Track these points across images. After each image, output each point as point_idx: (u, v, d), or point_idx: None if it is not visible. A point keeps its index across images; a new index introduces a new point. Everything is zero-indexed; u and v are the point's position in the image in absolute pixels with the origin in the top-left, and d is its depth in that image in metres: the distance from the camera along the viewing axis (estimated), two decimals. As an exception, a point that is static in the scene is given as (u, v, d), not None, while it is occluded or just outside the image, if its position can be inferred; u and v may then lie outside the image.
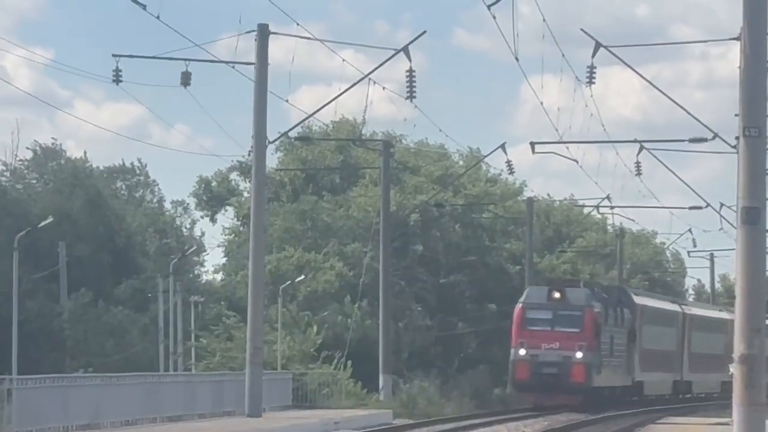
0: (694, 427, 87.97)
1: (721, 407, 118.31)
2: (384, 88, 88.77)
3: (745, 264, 48.85)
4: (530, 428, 75.32)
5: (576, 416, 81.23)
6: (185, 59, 78.10)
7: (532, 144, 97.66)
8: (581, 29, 66.36)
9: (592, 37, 62.67)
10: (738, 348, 48.41)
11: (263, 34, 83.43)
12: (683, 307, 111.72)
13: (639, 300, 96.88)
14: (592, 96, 76.88)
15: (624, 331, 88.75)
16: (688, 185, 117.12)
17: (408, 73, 78.38)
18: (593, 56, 65.65)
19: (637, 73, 77.55)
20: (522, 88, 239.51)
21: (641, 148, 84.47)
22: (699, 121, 72.20)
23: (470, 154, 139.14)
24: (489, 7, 56.12)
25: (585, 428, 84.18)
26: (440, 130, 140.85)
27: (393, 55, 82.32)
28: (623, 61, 68.38)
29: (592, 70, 69.24)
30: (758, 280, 49.63)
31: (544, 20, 67.79)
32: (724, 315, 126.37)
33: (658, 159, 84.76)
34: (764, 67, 48.74)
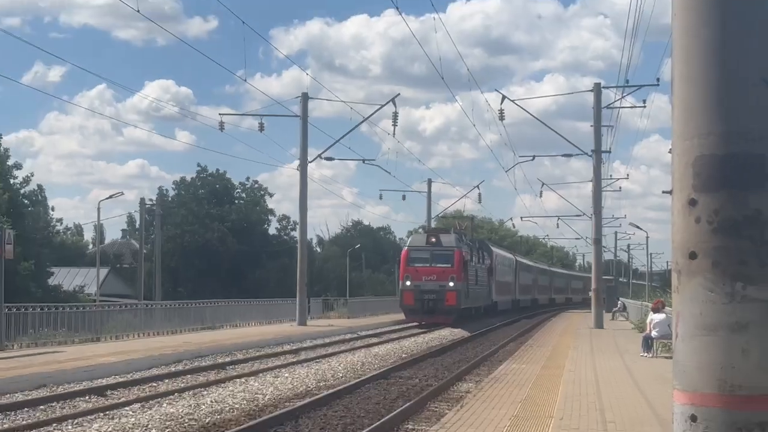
0: (579, 314, 72.76)
1: (560, 310, 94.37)
2: (469, 198, 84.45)
3: (595, 258, 50.43)
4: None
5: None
6: (404, 191, 76.14)
7: (522, 218, 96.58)
8: (537, 178, 72.95)
9: (541, 181, 66.16)
10: (593, 285, 50.36)
11: (429, 185, 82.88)
12: (516, 256, 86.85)
13: (495, 249, 73.58)
14: (542, 201, 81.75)
15: (485, 268, 65.64)
16: (575, 231, 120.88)
17: (479, 196, 77.27)
18: (541, 188, 68.53)
19: (557, 193, 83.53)
20: (517, 199, 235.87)
21: (558, 218, 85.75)
22: (578, 209, 73.30)
23: (500, 222, 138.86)
24: (506, 171, 61.10)
25: (512, 324, 58.91)
26: (490, 214, 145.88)
27: (470, 191, 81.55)
28: (552, 189, 72.68)
29: (541, 192, 68.75)
30: (599, 263, 52.27)
31: (524, 176, 74.34)
32: (531, 263, 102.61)
33: (565, 222, 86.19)
34: (600, 191, 52.64)
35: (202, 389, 20.71)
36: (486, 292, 64.43)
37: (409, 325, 51.44)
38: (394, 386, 22.79)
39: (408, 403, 18.66)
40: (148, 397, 19.15)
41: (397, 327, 51.15)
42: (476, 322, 54.02)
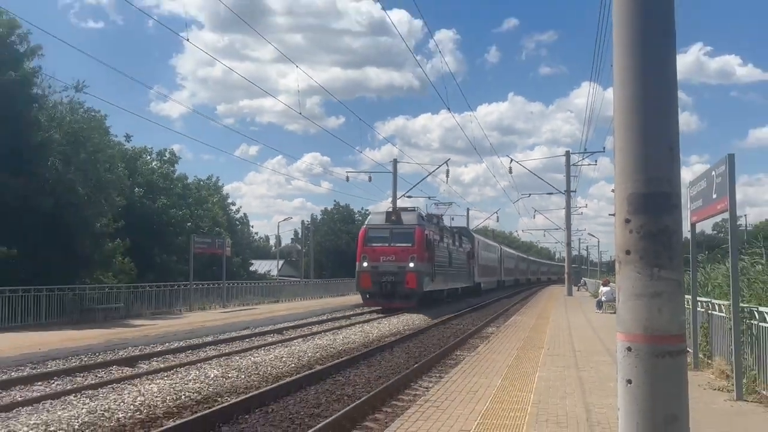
0: (559, 288, 61.53)
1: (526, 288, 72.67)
2: (491, 219, 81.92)
3: (567, 254, 48.96)
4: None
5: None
6: (453, 216, 74.33)
7: (523, 230, 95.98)
8: (532, 207, 70.97)
9: (534, 209, 65.72)
10: (566, 270, 49.79)
11: (468, 213, 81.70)
12: (501, 245, 65.45)
13: (477, 236, 51.42)
14: (535, 220, 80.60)
15: (464, 252, 43.53)
16: (555, 238, 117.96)
17: (497, 218, 76.72)
18: (534, 213, 68.10)
19: (544, 215, 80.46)
20: (519, 219, 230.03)
21: (545, 231, 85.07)
22: (556, 225, 71.68)
23: (509, 233, 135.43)
24: (513, 203, 59.87)
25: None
26: (503, 228, 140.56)
27: (492, 215, 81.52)
28: (541, 213, 70.65)
29: (534, 215, 68.91)
30: (570, 257, 50.79)
31: (524, 205, 70.02)
32: (513, 251, 79.89)
33: (549, 233, 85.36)
34: (569, 214, 51.52)
35: (337, 330, 20.80)
36: (465, 274, 41.67)
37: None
38: (448, 329, 22.71)
39: (456, 339, 18.62)
40: (306, 334, 19.30)
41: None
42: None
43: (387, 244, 29.49)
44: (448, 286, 35.57)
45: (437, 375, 12.71)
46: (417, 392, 11.01)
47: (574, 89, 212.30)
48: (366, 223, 31.55)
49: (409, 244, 29.21)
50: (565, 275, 49.82)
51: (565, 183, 47.16)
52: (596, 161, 50.44)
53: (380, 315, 26.55)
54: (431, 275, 30.46)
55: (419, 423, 7.27)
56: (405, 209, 32.14)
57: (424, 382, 12.07)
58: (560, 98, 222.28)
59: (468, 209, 79.24)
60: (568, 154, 47.22)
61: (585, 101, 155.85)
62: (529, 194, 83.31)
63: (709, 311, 11.23)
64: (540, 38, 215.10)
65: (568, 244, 49.77)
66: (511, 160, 46.04)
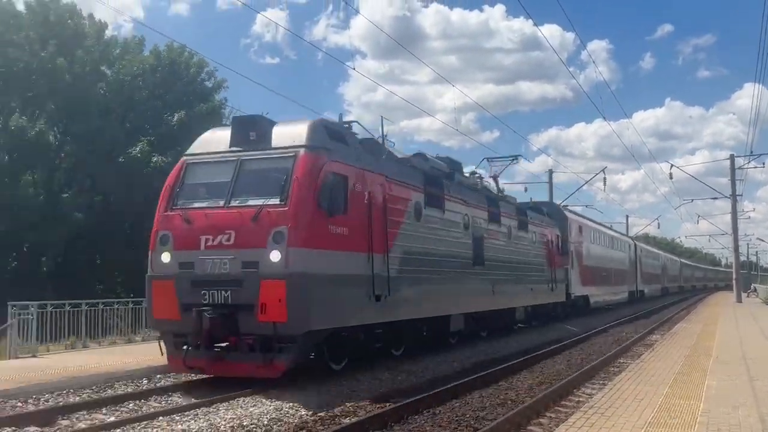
0: (727, 294, 54.09)
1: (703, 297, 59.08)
2: (651, 226, 75.64)
3: (735, 260, 45.29)
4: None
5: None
6: (611, 223, 68.06)
7: (686, 236, 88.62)
8: (695, 212, 62.36)
9: (697, 215, 61.02)
10: (734, 276, 44.42)
11: (627, 219, 76.32)
12: (635, 241, 46.73)
13: (575, 217, 27.32)
14: (698, 226, 71.99)
15: (529, 240, 18.19)
16: (720, 243, 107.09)
17: (658, 224, 71.25)
18: (698, 218, 62.70)
19: (708, 221, 72.52)
20: (682, 225, 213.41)
21: (709, 236, 78.87)
22: (724, 232, 65.59)
23: (671, 239, 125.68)
24: (675, 209, 54.88)
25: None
26: (665, 235, 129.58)
27: (653, 221, 75.83)
28: (705, 218, 63.93)
29: (698, 220, 62.90)
30: (738, 262, 47.35)
31: (686, 210, 61.69)
32: (657, 250, 58.33)
33: (714, 238, 77.61)
34: (736, 219, 47.27)
35: (499, 338, 20.38)
36: (540, 282, 21.98)
37: None
38: (610, 336, 21.77)
39: (619, 347, 17.82)
40: (472, 339, 19.05)
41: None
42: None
43: (222, 204, 9.31)
44: (464, 309, 15.99)
45: (600, 382, 12.22)
46: (580, 399, 10.63)
47: (736, 91, 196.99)
48: (190, 148, 10.51)
49: (276, 199, 9.01)
50: (733, 281, 46.47)
51: (730, 187, 43.88)
52: (764, 164, 45.81)
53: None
54: (371, 282, 10.71)
55: (584, 429, 7.04)
56: (286, 123, 10.15)
57: (587, 389, 11.64)
58: (721, 101, 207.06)
59: (627, 216, 75.73)
60: (732, 158, 43.97)
61: (749, 103, 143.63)
62: (692, 200, 78.08)
63: None
64: (697, 42, 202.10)
65: (736, 250, 46.03)
66: (671, 165, 43.33)
